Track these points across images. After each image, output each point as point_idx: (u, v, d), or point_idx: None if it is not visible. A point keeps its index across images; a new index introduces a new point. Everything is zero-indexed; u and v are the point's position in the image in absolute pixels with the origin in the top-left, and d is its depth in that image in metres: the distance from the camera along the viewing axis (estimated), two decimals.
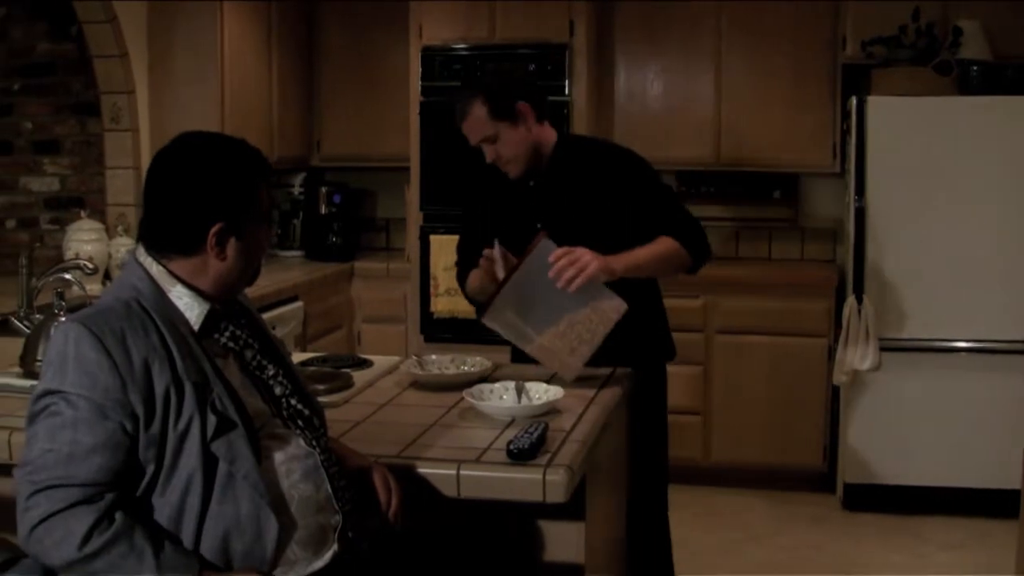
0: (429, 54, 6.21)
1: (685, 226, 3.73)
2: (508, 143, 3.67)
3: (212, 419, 2.26)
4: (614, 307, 3.42)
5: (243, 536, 2.27)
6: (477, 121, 3.67)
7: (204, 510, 2.25)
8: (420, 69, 6.23)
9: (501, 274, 3.44)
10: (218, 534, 2.26)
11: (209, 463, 2.25)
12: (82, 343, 2.22)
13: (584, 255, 3.37)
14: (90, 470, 2.18)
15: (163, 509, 2.25)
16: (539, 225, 3.59)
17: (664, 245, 3.65)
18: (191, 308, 2.38)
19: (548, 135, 3.77)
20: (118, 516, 2.18)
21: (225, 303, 2.47)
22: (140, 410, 2.22)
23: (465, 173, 6.07)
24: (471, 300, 3.85)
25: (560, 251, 3.38)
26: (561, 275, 3.35)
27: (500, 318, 3.43)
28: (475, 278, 3.75)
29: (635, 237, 3.64)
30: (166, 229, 2.38)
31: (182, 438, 2.25)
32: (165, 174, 2.39)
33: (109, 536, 2.16)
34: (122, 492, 2.22)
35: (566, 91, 6.07)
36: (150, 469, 2.24)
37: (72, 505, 2.16)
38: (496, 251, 3.49)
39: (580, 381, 3.41)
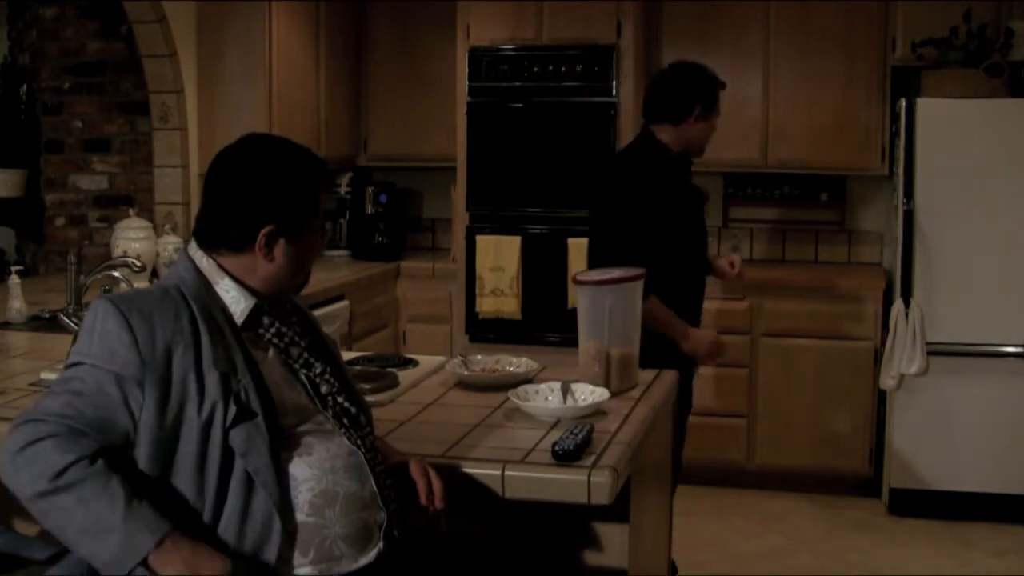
0: (476, 55, 6.21)
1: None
2: None
3: (233, 408, 2.29)
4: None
5: (253, 530, 2.28)
6: None
7: (221, 499, 2.28)
8: (467, 69, 6.24)
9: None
10: (232, 524, 2.28)
11: (228, 453, 2.28)
12: (108, 319, 2.29)
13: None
14: (83, 419, 2.21)
15: (185, 493, 2.27)
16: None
17: None
18: (237, 302, 2.43)
19: None
20: (100, 460, 2.19)
21: (275, 303, 2.49)
22: (155, 392, 2.25)
23: (512, 174, 6.17)
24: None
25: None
26: None
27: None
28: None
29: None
30: (218, 225, 2.43)
31: (207, 426, 2.28)
32: (224, 172, 2.44)
33: (86, 473, 2.16)
34: (109, 450, 2.23)
35: (613, 92, 6.05)
36: (166, 453, 2.26)
37: (57, 435, 2.18)
38: None
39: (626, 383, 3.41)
